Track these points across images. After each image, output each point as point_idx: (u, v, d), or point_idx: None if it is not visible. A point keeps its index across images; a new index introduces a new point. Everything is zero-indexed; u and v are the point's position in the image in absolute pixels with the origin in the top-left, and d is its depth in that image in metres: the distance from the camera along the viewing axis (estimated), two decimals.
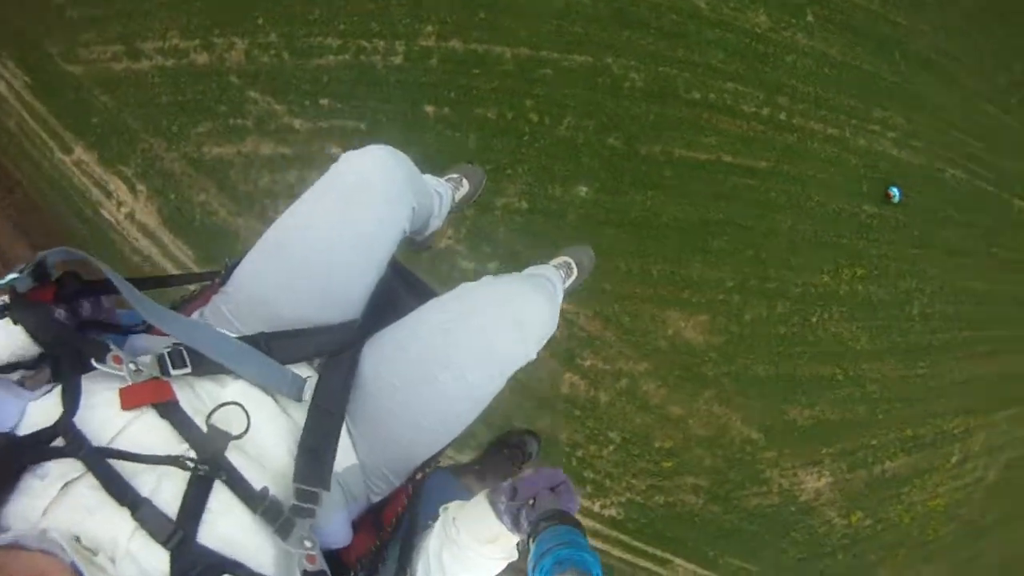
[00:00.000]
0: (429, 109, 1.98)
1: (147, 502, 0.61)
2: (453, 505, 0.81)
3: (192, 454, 0.67)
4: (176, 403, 0.71)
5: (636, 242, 2.02)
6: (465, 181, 1.79)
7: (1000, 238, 2.89)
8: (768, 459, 2.20)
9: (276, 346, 0.86)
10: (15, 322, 0.67)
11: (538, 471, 0.80)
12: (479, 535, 0.75)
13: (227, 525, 0.65)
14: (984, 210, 2.85)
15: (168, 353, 0.74)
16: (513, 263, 1.93)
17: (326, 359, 0.90)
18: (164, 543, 0.59)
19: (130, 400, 0.68)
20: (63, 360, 0.69)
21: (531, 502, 0.75)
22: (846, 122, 2.33)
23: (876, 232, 2.34)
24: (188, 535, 0.60)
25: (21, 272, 0.72)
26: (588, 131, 2.00)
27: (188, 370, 0.75)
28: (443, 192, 1.46)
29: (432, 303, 0.99)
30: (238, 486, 0.68)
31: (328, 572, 0.70)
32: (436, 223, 1.42)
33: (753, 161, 2.16)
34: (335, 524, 0.82)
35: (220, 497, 0.66)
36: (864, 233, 2.33)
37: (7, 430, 0.62)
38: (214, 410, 0.72)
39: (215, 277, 1.00)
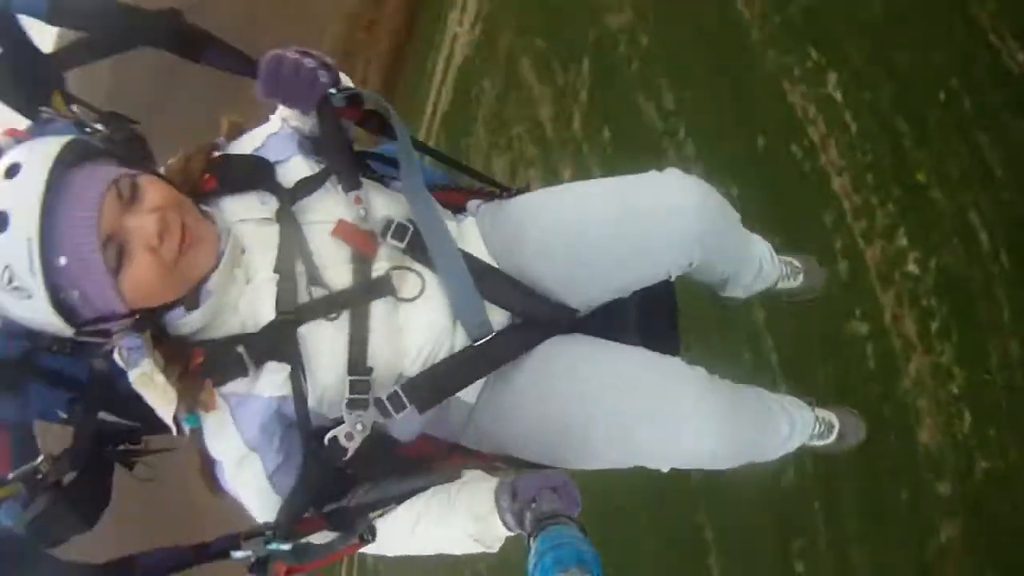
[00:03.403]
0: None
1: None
2: (471, 475, 0.87)
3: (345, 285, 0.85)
4: (370, 259, 0.87)
5: None
6: (803, 276, 1.44)
7: None
8: None
9: (489, 284, 0.91)
10: (321, 116, 0.88)
11: (540, 472, 0.83)
12: (472, 512, 0.81)
13: (321, 341, 0.82)
14: None
15: (397, 224, 0.89)
16: None
17: (520, 321, 0.95)
18: (277, 306, 0.81)
19: (340, 232, 0.86)
20: (331, 158, 0.91)
21: (532, 503, 0.77)
22: None
23: None
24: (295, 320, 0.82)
25: (338, 91, 0.88)
26: None
27: (401, 247, 0.89)
28: (768, 270, 1.28)
29: (633, 355, 0.97)
30: (357, 333, 0.83)
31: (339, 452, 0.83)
32: (738, 291, 1.26)
33: None
34: (410, 423, 0.91)
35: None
36: None
37: (271, 160, 0.90)
38: (399, 268, 0.88)
39: (505, 189, 1.06)
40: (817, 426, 1.28)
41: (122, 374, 0.90)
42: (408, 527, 0.86)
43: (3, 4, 0.97)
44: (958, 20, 1.67)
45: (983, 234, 1.50)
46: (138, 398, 0.86)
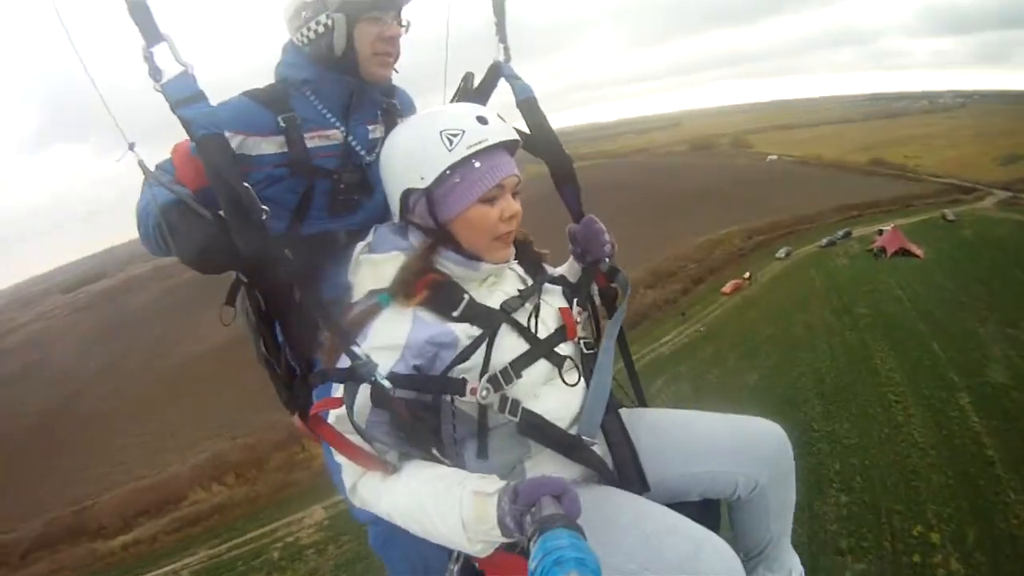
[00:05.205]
0: None
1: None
2: (491, 476, 1.01)
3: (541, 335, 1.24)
4: (565, 339, 1.29)
5: None
6: None
7: None
8: None
9: (610, 417, 1.27)
10: (587, 270, 1.42)
11: (542, 478, 0.90)
12: (477, 488, 0.95)
13: (508, 340, 1.20)
14: None
15: (588, 342, 1.35)
16: None
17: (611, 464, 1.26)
18: (503, 305, 1.23)
19: (564, 311, 1.32)
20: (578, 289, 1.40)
21: (532, 508, 0.83)
22: None
23: None
24: (507, 317, 1.23)
25: (609, 260, 1.45)
26: None
27: (584, 352, 1.31)
28: None
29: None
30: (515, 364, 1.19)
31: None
32: None
33: None
34: (489, 463, 1.17)
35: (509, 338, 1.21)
36: None
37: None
38: (572, 360, 1.28)
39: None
40: None
41: (333, 260, 1.32)
42: (424, 476, 1.04)
43: (526, 103, 1.50)
44: None
45: None
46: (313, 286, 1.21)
